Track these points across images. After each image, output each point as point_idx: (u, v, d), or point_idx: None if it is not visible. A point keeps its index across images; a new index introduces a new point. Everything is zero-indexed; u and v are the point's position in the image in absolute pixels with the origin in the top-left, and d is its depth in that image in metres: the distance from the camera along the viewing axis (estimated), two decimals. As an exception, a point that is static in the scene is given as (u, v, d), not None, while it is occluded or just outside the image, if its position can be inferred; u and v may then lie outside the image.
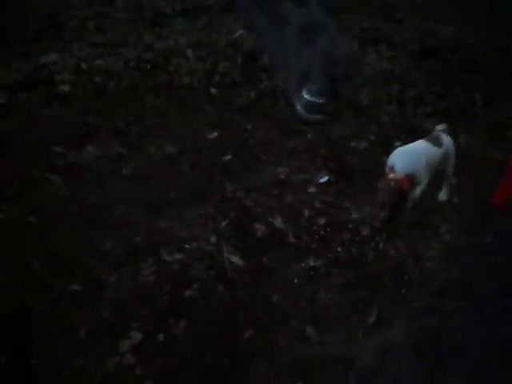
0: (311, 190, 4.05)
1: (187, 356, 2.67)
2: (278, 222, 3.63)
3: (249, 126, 4.83)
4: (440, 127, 4.04)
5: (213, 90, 5.40)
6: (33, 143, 4.27)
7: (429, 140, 3.83)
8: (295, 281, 3.17)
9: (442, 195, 4.04)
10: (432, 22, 7.50)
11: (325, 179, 4.16)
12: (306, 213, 3.76)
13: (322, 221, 3.70)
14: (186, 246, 3.38)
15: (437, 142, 3.83)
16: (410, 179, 3.53)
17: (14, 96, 4.92)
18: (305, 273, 3.22)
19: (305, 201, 3.89)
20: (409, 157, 3.64)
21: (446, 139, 3.90)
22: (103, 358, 2.65)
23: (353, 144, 4.73)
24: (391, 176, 3.51)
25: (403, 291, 3.08)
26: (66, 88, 5.19)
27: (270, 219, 3.65)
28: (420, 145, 3.80)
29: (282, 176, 4.15)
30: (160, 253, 3.32)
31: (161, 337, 2.75)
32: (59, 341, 2.72)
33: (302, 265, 3.30)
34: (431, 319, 2.41)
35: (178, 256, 3.30)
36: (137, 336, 2.76)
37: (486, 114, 5.41)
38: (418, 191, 3.66)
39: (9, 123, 4.52)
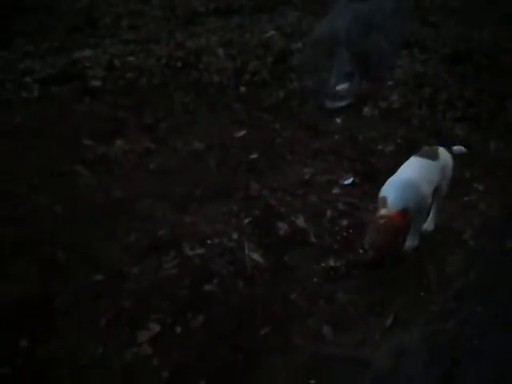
0: (335, 191, 4.05)
1: (203, 349, 2.69)
2: (301, 222, 3.64)
3: (277, 126, 4.86)
4: (456, 148, 3.67)
5: (242, 89, 5.44)
6: (63, 136, 4.37)
7: (423, 155, 3.44)
8: (314, 280, 3.17)
9: (429, 223, 3.60)
10: (467, 26, 7.41)
11: (349, 181, 4.15)
12: (329, 213, 3.76)
13: (344, 222, 3.69)
14: (208, 242, 3.41)
15: (433, 155, 3.44)
16: (405, 214, 3.12)
17: (46, 89, 5.05)
18: (324, 272, 3.22)
19: (328, 201, 3.89)
20: (403, 186, 3.22)
21: (444, 152, 3.51)
22: (122, 348, 2.68)
23: (380, 147, 4.71)
24: (382, 212, 3.10)
25: (422, 294, 3.07)
26: (97, 83, 5.30)
27: (293, 218, 3.67)
28: (416, 165, 3.39)
29: (307, 176, 4.16)
30: (182, 247, 3.36)
31: (178, 329, 2.78)
32: (80, 329, 2.77)
33: (322, 264, 3.30)
34: (448, 323, 2.40)
35: (200, 251, 3.33)
36: (155, 327, 2.80)
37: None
38: (416, 228, 3.35)
39: (41, 116, 4.62)
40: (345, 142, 4.71)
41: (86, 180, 3.95)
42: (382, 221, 3.04)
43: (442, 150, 3.51)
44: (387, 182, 3.28)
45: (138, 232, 3.45)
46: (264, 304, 2.97)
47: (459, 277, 2.91)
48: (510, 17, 7.55)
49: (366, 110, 5.27)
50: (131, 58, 5.92)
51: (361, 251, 3.30)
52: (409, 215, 3.15)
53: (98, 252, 3.27)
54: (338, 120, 5.07)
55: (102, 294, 2.97)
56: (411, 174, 3.31)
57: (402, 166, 3.42)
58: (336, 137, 4.77)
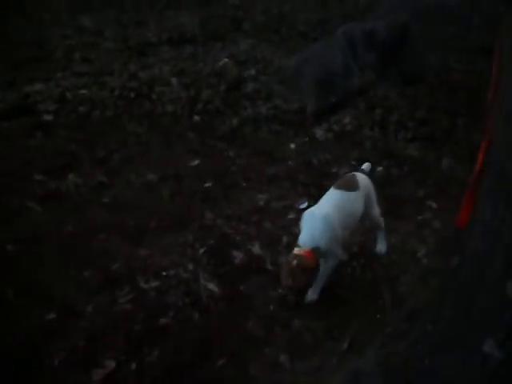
0: (291, 216, 4.06)
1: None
2: (256, 249, 3.65)
3: (230, 154, 4.88)
4: (364, 166, 3.61)
5: (196, 118, 5.46)
6: (14, 172, 4.30)
7: (343, 187, 3.32)
8: (270, 307, 3.17)
9: (380, 247, 3.62)
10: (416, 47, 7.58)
11: (305, 205, 4.17)
12: (285, 239, 3.76)
13: (300, 247, 3.71)
14: (164, 274, 3.39)
15: (353, 186, 3.33)
16: (314, 254, 3.02)
17: (-4, 125, 4.97)
18: (280, 300, 3.22)
19: (284, 227, 3.90)
20: (313, 225, 3.11)
21: (363, 179, 3.42)
22: (76, 388, 2.64)
23: (334, 170, 4.75)
24: (296, 251, 3.03)
25: (378, 316, 3.09)
26: (49, 117, 5.26)
27: (249, 246, 3.67)
28: (335, 199, 3.27)
29: (262, 203, 4.18)
30: (137, 280, 3.33)
31: (134, 365, 2.74)
32: (33, 370, 2.71)
33: (279, 291, 3.30)
34: (401, 344, 2.41)
35: (155, 283, 3.31)
36: (110, 364, 2.75)
37: (469, 138, 5.44)
38: (326, 268, 3.16)
39: (-10, 152, 4.56)
40: (299, 167, 4.75)
41: (38, 216, 3.89)
42: (293, 261, 2.98)
43: (360, 177, 3.42)
44: (303, 216, 3.21)
45: (92, 267, 3.41)
46: (220, 335, 2.95)
47: (412, 296, 2.94)
48: (456, 38, 7.78)
49: (320, 134, 5.34)
50: (84, 91, 5.90)
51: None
52: (318, 254, 3.05)
53: (51, 290, 3.21)
54: (292, 145, 5.11)
55: (54, 334, 2.91)
56: (327, 210, 3.17)
57: (322, 198, 3.33)
58: (290, 162, 4.81)
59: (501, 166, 1.99)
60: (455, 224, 2.43)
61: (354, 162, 4.84)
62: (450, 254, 2.48)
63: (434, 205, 4.22)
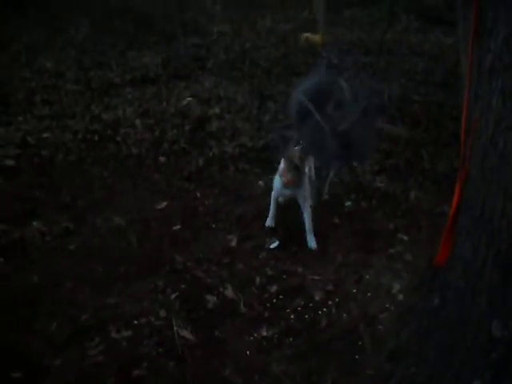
0: (262, 256, 4.01)
1: None
2: (229, 292, 3.57)
3: (198, 194, 4.82)
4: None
5: (161, 159, 5.40)
6: (-27, 222, 4.16)
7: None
8: (247, 353, 3.09)
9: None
10: (377, 80, 7.71)
11: (275, 244, 4.13)
12: (258, 280, 3.71)
13: (274, 288, 3.65)
14: (135, 322, 3.28)
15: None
16: None
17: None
18: (257, 344, 3.15)
19: (256, 268, 3.85)
20: None
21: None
22: None
23: (303, 206, 4.73)
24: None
25: (357, 357, 3.04)
26: (10, 162, 5.14)
27: (221, 289, 3.60)
28: None
29: (233, 243, 4.11)
30: (108, 330, 3.21)
31: (107, 422, 2.64)
32: None
33: (255, 335, 3.23)
34: (384, 388, 2.37)
35: (127, 333, 3.20)
36: (81, 423, 2.64)
37: (434, 168, 5.50)
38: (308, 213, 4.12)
39: None
40: (267, 205, 4.70)
41: (1, 267, 3.75)
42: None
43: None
44: None
45: (59, 319, 3.28)
46: (196, 384, 2.86)
47: (392, 336, 2.90)
48: (413, 71, 7.96)
49: (288, 171, 5.32)
50: (46, 134, 5.80)
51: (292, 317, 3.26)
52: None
53: (16, 345, 3.07)
54: (260, 182, 5.08)
55: (21, 393, 2.79)
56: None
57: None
58: (258, 200, 4.77)
59: (481, 204, 1.99)
60: (434, 261, 2.41)
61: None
62: (429, 293, 2.46)
63: (405, 237, 4.22)
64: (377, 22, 10.43)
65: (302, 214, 4.19)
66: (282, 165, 4.11)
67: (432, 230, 4.29)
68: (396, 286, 3.68)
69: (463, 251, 2.11)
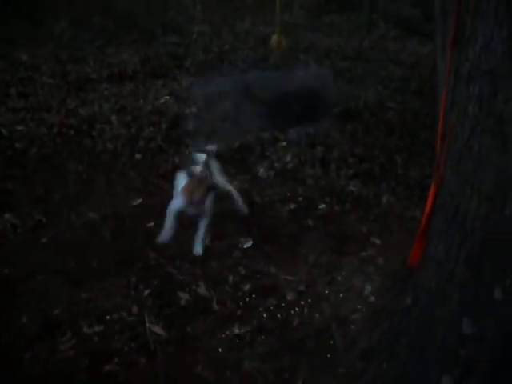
0: (236, 255, 4.03)
1: None
2: (202, 290, 3.59)
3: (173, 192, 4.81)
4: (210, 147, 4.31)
5: (137, 156, 5.38)
6: None
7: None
8: (219, 350, 3.11)
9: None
10: (354, 86, 7.77)
11: (249, 244, 4.16)
12: (231, 279, 3.73)
13: (246, 287, 3.68)
14: (107, 317, 3.28)
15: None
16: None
17: None
18: (229, 341, 3.17)
19: (229, 266, 3.87)
20: None
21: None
22: None
23: (278, 207, 4.76)
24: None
25: (329, 356, 3.07)
26: (-17, 154, 5.06)
27: (194, 286, 3.61)
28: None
29: (206, 242, 4.13)
30: (79, 325, 3.21)
31: (76, 416, 2.63)
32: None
33: (227, 332, 3.25)
34: (357, 384, 2.41)
35: (99, 328, 3.20)
36: (51, 417, 2.62)
37: (407, 174, 5.57)
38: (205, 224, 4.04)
39: None
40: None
41: (-29, 259, 3.71)
42: None
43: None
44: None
45: (31, 313, 3.27)
46: (168, 380, 2.87)
47: (364, 336, 2.95)
48: (389, 78, 8.05)
49: (262, 171, 5.35)
50: (20, 127, 5.73)
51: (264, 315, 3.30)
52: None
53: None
54: (235, 182, 5.09)
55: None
56: None
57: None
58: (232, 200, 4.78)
59: (455, 206, 2.04)
60: (406, 263, 2.46)
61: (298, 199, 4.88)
62: (401, 293, 2.51)
63: (378, 241, 4.27)
64: (355, 29, 10.53)
65: (200, 220, 4.07)
66: (183, 181, 3.97)
67: (403, 234, 4.36)
68: (368, 288, 3.73)
69: (436, 252, 2.16)
